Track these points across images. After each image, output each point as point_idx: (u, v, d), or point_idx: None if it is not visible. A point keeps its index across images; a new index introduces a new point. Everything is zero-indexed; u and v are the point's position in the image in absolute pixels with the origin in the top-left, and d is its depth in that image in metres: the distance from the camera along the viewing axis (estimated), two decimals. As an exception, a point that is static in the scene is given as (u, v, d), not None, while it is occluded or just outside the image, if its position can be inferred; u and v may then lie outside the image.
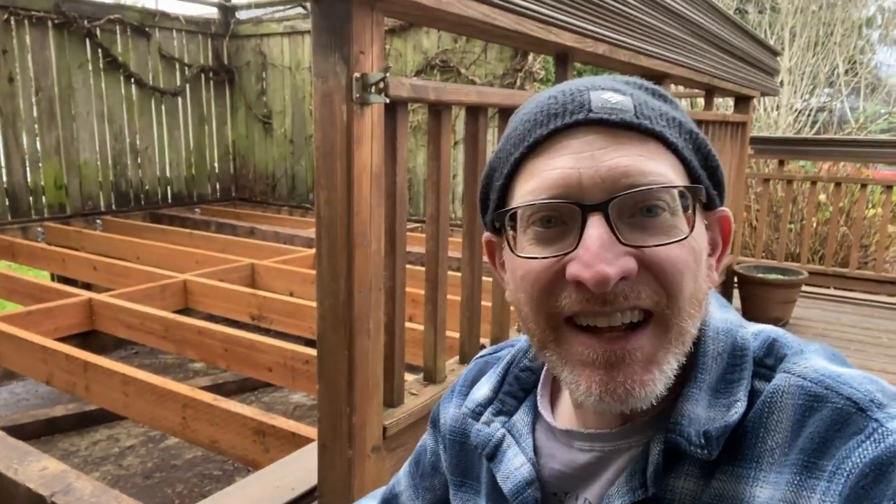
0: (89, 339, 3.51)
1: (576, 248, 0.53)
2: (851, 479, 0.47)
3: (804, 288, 4.46)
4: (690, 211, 0.55)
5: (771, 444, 0.53)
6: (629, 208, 0.54)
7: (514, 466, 0.65)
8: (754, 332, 0.61)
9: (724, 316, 0.62)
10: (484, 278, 2.11)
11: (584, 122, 0.55)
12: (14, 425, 3.37)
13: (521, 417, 0.69)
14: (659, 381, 0.54)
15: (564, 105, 0.57)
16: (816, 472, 0.49)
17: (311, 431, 1.94)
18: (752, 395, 0.56)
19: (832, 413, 0.51)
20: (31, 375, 2.88)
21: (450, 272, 1.96)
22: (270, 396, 4.16)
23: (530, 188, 0.57)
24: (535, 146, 0.57)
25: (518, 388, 0.72)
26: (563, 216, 0.55)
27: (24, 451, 1.85)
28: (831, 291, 5.01)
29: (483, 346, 2.20)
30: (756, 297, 4.22)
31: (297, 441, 1.94)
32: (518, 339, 0.76)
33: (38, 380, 2.85)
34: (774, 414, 0.54)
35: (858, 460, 0.48)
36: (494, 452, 0.67)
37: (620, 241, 0.53)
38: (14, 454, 1.83)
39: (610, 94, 0.57)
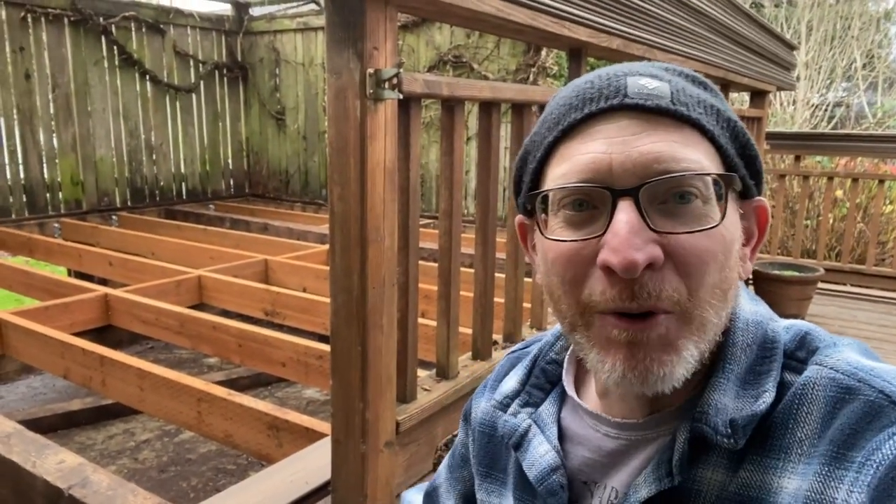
0: (105, 333, 3.54)
1: (605, 232, 0.53)
2: (881, 471, 0.47)
3: (820, 285, 4.42)
4: (723, 199, 0.55)
5: (800, 435, 0.53)
6: (661, 195, 0.54)
7: (539, 454, 0.66)
8: (786, 326, 0.61)
9: (754, 308, 0.62)
10: (497, 274, 2.10)
11: (619, 107, 0.55)
12: (32, 419, 3.41)
13: (547, 408, 0.70)
14: (678, 364, 0.54)
15: (600, 90, 0.57)
16: (845, 464, 0.49)
17: (324, 426, 1.95)
18: (782, 386, 0.56)
19: (864, 405, 0.51)
20: (49, 370, 2.91)
21: (462, 268, 1.96)
22: (284, 391, 4.19)
23: (562, 172, 0.57)
24: (570, 130, 0.58)
25: (545, 381, 0.72)
26: (594, 200, 0.55)
27: (42, 444, 1.88)
28: (848, 288, 4.95)
29: (496, 343, 2.20)
30: (772, 293, 4.19)
31: (311, 436, 1.95)
32: (544, 334, 0.77)
33: (55, 374, 2.88)
34: (805, 405, 0.53)
35: (889, 452, 0.47)
36: (520, 442, 0.68)
37: (650, 227, 0.52)
38: (32, 447, 1.85)
39: (647, 80, 0.57)
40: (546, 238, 0.58)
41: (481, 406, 0.79)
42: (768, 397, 0.55)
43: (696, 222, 0.53)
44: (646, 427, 0.61)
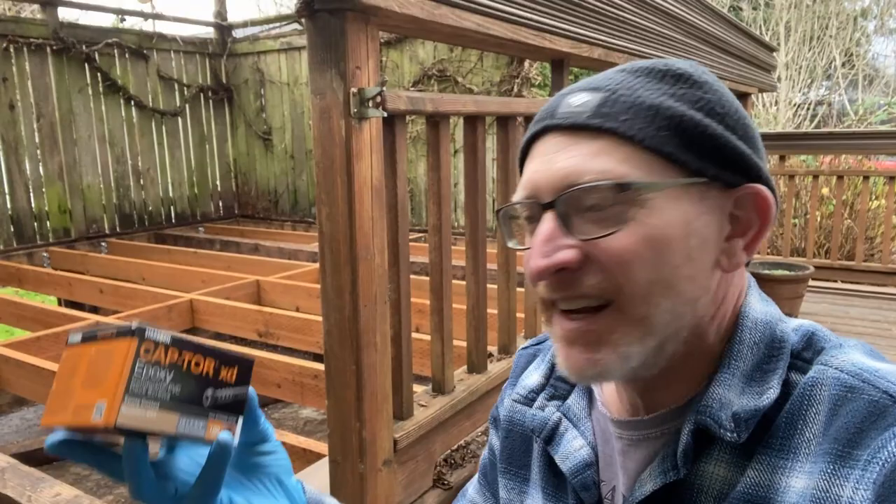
0: (98, 362, 3.51)
1: None
2: (887, 468, 0.48)
3: (811, 282, 4.45)
4: (635, 201, 0.56)
5: (808, 435, 0.54)
6: (580, 204, 0.57)
7: (574, 448, 0.68)
8: (794, 327, 0.62)
9: (765, 309, 0.62)
10: (489, 286, 2.10)
11: (551, 127, 0.61)
12: (26, 451, 3.37)
13: (577, 401, 0.71)
14: (611, 359, 0.57)
15: (544, 111, 0.63)
16: (850, 462, 0.50)
17: (322, 447, 1.94)
18: (787, 386, 0.57)
19: (868, 405, 0.51)
20: (42, 401, 2.88)
21: (454, 281, 1.96)
22: (280, 413, 4.16)
23: (519, 187, 0.64)
24: (525, 151, 0.65)
25: None
26: (534, 213, 0.61)
27: (37, 477, 1.85)
28: (838, 285, 4.99)
29: (491, 355, 2.20)
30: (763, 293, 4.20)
31: (308, 457, 1.94)
32: None
33: (48, 405, 2.85)
34: (813, 406, 0.54)
35: (894, 450, 0.48)
36: (552, 436, 0.70)
37: (568, 235, 0.57)
38: (27, 481, 1.83)
39: (580, 95, 0.60)
40: (513, 249, 0.68)
41: (505, 403, 0.80)
42: (772, 393, 0.56)
43: (613, 226, 0.56)
44: (649, 425, 0.62)
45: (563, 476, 0.68)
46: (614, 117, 0.58)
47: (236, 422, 0.56)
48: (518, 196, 0.63)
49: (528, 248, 0.61)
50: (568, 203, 0.57)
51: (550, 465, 0.70)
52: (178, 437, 0.52)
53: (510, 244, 0.67)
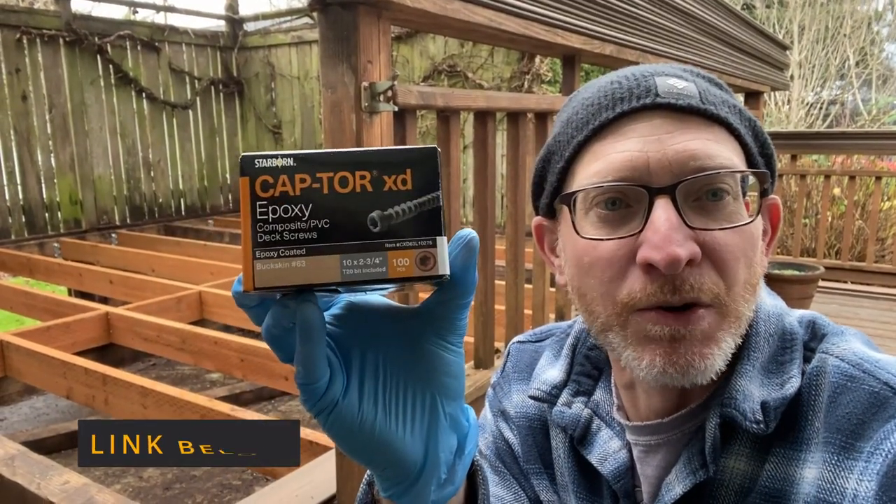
0: (107, 352, 3.54)
1: (642, 230, 0.53)
2: (889, 459, 0.48)
3: (821, 283, 4.42)
4: (748, 197, 0.56)
5: (817, 425, 0.54)
6: (695, 192, 0.54)
7: (613, 449, 0.64)
8: (798, 318, 0.62)
9: (773, 302, 0.63)
10: (497, 282, 2.10)
11: (651, 106, 0.56)
12: (35, 440, 3.40)
13: (605, 398, 0.68)
14: (718, 356, 0.54)
15: (630, 90, 0.57)
16: (854, 454, 0.50)
17: (328, 440, 1.94)
18: (801, 376, 0.57)
19: (869, 396, 0.51)
20: (51, 390, 2.91)
21: (463, 277, 1.96)
22: (287, 405, 4.18)
23: (595, 170, 0.56)
24: (601, 129, 0.57)
25: (591, 368, 0.70)
26: (629, 199, 0.55)
27: (46, 465, 1.87)
28: (848, 286, 4.95)
29: (498, 351, 2.20)
30: (772, 293, 4.18)
31: (315, 450, 1.95)
32: (558, 325, 0.76)
33: (57, 394, 2.88)
34: (819, 395, 0.54)
35: None
36: (584, 434, 0.66)
37: (687, 225, 0.52)
38: (36, 469, 1.84)
39: (675, 80, 0.57)
40: (582, 238, 0.57)
41: (514, 399, 0.76)
42: (795, 382, 0.55)
43: (727, 219, 0.54)
44: (668, 428, 0.60)
45: (595, 477, 0.66)
46: (720, 107, 0.56)
47: (433, 245, 0.38)
48: (610, 176, 0.55)
49: (623, 237, 0.54)
50: (688, 189, 0.53)
51: (579, 465, 0.67)
52: (350, 285, 0.38)
53: (588, 235, 0.56)
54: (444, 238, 0.39)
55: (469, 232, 0.41)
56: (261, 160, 0.38)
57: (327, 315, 0.44)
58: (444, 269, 0.38)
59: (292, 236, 0.38)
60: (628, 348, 0.56)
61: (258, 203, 0.37)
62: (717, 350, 0.54)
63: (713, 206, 0.54)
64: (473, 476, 0.54)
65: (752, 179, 0.58)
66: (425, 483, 0.44)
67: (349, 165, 0.38)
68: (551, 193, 0.63)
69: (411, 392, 0.43)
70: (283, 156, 0.38)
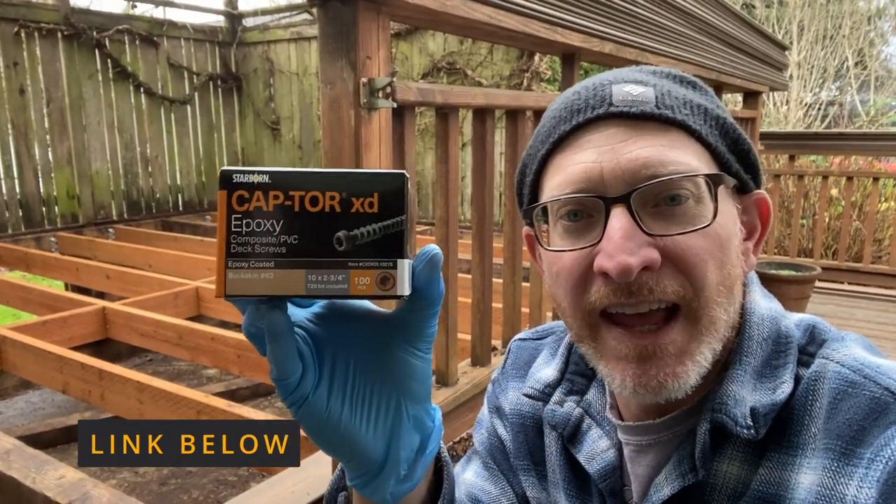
0: (103, 347, 3.53)
1: (601, 239, 0.54)
2: (889, 466, 0.48)
3: (818, 284, 4.43)
4: (714, 197, 0.55)
5: (814, 430, 0.53)
6: (652, 198, 0.54)
7: (601, 448, 0.65)
8: (796, 322, 0.61)
9: (768, 304, 0.62)
10: (494, 280, 2.10)
11: (605, 115, 0.56)
12: (31, 434, 3.40)
13: (598, 398, 0.68)
14: (692, 371, 0.54)
15: (587, 100, 0.58)
16: (854, 460, 0.50)
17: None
18: (796, 381, 0.56)
19: (870, 402, 0.51)
20: (47, 385, 2.90)
21: (460, 274, 1.96)
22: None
23: (556, 183, 0.58)
24: (560, 142, 0.59)
25: (586, 367, 0.70)
26: (589, 209, 0.56)
27: (42, 460, 1.87)
28: (845, 287, 4.96)
29: (495, 348, 2.20)
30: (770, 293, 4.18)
31: (311, 446, 1.94)
32: (558, 324, 0.77)
33: (53, 389, 2.87)
34: (817, 400, 0.54)
35: None
36: (574, 433, 0.67)
37: (644, 231, 0.53)
38: (32, 463, 1.84)
39: (632, 86, 0.57)
40: (546, 249, 0.59)
41: (510, 397, 0.77)
42: (787, 388, 0.55)
43: (689, 223, 0.54)
44: (660, 429, 0.60)
45: (585, 476, 0.66)
46: (678, 110, 0.56)
47: (394, 266, 0.41)
48: (568, 188, 0.56)
49: (583, 249, 0.55)
50: (644, 196, 0.54)
51: (570, 464, 0.68)
52: (312, 297, 0.42)
53: (551, 247, 0.59)
54: (406, 261, 0.41)
55: (433, 248, 0.43)
56: (238, 175, 0.41)
57: (308, 312, 0.47)
58: (404, 289, 0.41)
59: (263, 249, 0.41)
60: (601, 362, 0.58)
61: (233, 216, 0.41)
62: (691, 366, 0.54)
63: (672, 210, 0.54)
64: (441, 471, 0.57)
65: (731, 180, 0.58)
66: (385, 477, 0.48)
67: (321, 186, 0.41)
68: (526, 206, 0.65)
69: (377, 393, 0.47)
70: (259, 172, 0.41)
